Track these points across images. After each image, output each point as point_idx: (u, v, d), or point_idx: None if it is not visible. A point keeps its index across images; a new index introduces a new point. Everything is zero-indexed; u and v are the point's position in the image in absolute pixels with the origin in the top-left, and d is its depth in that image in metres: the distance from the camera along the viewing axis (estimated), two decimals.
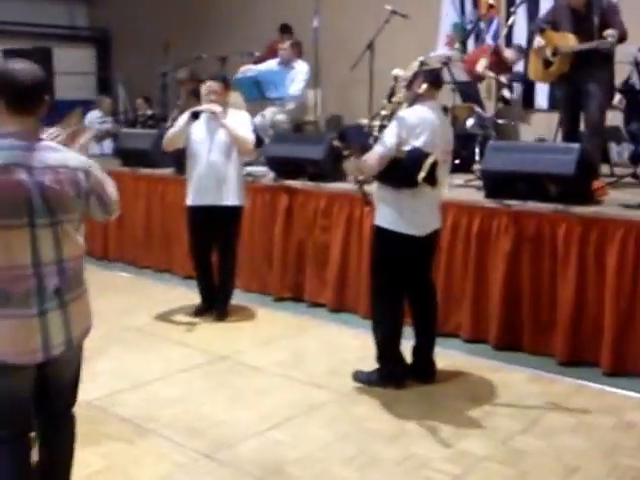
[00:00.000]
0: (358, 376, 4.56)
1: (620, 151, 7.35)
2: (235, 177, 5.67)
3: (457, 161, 6.88)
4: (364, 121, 4.11)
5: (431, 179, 3.96)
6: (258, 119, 7.69)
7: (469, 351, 5.11)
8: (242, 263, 6.67)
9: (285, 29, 8.66)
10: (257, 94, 7.34)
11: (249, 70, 7.37)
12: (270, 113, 7.61)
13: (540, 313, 4.97)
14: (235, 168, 5.67)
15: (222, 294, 5.93)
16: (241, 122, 5.61)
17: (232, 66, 7.71)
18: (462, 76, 6.64)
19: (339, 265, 5.89)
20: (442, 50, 7.59)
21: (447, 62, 5.42)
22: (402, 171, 4.02)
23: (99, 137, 10.74)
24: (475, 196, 5.43)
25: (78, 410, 2.94)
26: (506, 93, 8.11)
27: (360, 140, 4.16)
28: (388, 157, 4.05)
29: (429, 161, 3.92)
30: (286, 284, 6.40)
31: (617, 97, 6.55)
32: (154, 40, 11.21)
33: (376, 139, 4.06)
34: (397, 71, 3.95)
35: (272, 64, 7.73)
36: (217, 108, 5.45)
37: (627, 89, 6.54)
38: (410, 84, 4.03)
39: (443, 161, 4.19)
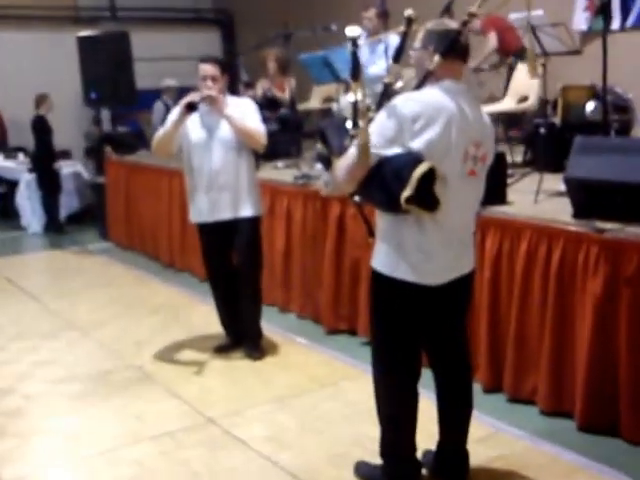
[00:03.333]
0: (360, 470, 3.23)
1: None
2: (247, 181, 4.51)
3: None
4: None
5: (425, 200, 2.57)
6: (334, 106, 6.43)
7: (542, 431, 3.61)
8: (294, 284, 5.53)
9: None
10: (329, 76, 6.04)
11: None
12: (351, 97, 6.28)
13: None
14: (246, 169, 4.51)
15: (249, 326, 4.77)
16: (247, 110, 4.45)
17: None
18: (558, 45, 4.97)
19: None
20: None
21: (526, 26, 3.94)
22: (383, 188, 2.66)
23: None
24: (565, 214, 3.87)
25: None
26: None
27: (340, 141, 2.83)
28: (366, 166, 2.69)
29: (417, 173, 2.54)
30: (340, 314, 5.11)
31: None
32: (275, 21, 10.25)
33: (352, 138, 2.71)
34: (352, 31, 2.57)
35: None
36: (217, 94, 4.29)
37: None
38: (398, 56, 2.62)
39: (466, 173, 2.76)
